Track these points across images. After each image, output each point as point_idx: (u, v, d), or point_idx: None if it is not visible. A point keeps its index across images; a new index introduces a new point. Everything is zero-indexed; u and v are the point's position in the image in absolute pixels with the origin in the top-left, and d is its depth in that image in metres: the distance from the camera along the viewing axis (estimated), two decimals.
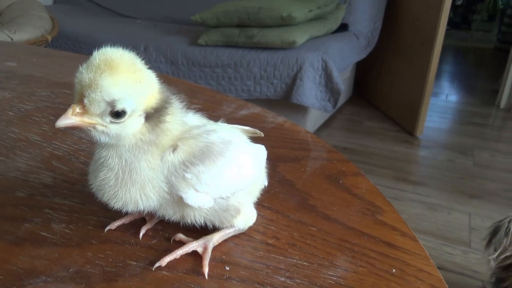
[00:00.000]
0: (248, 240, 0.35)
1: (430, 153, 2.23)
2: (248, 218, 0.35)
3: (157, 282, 0.31)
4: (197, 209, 0.32)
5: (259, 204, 0.40)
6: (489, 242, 0.91)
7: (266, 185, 0.40)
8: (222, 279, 0.31)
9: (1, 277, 0.31)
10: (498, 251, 0.87)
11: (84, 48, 2.58)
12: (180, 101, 0.34)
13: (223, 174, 0.32)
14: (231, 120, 0.60)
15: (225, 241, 0.35)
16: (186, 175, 0.30)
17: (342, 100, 2.67)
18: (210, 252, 0.33)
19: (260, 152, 0.37)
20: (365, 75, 2.80)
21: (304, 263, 0.33)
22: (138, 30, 2.62)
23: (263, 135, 0.41)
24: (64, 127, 0.28)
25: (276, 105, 2.23)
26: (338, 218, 0.38)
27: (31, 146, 0.50)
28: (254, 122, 0.59)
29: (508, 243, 0.86)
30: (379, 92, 2.71)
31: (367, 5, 2.44)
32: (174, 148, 0.31)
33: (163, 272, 0.32)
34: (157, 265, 0.31)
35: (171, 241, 0.35)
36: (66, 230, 0.36)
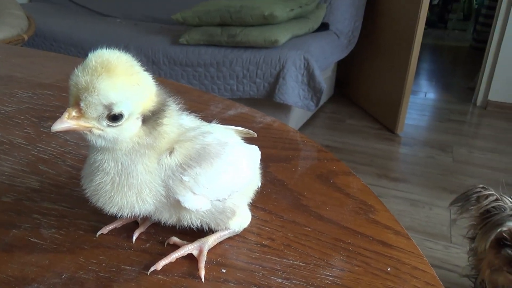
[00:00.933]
0: (243, 242, 0.35)
1: (411, 150, 2.27)
2: (243, 220, 0.35)
3: (153, 286, 0.30)
4: (193, 211, 0.32)
5: (253, 205, 0.40)
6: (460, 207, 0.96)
7: (259, 186, 0.40)
8: (219, 282, 0.31)
9: None
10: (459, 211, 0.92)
11: (62, 48, 2.53)
12: (176, 103, 0.33)
13: (220, 176, 0.32)
14: (220, 121, 0.59)
15: (220, 243, 0.35)
16: (183, 178, 0.30)
17: (324, 98, 2.69)
18: (205, 255, 0.33)
19: (254, 153, 0.37)
20: (346, 73, 2.83)
21: (300, 263, 0.33)
22: (118, 29, 2.58)
23: (256, 136, 0.41)
24: (60, 131, 0.27)
25: (259, 104, 2.23)
26: (332, 218, 0.39)
27: (15, 149, 0.49)
28: (242, 122, 0.59)
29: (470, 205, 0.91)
30: (360, 91, 2.75)
31: (347, 4, 2.47)
32: (171, 151, 0.30)
33: (159, 276, 0.31)
34: (152, 269, 0.31)
35: (165, 244, 0.34)
36: (56, 236, 0.35)
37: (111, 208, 0.30)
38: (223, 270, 0.32)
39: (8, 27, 2.29)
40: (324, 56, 2.23)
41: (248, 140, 0.53)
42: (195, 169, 0.30)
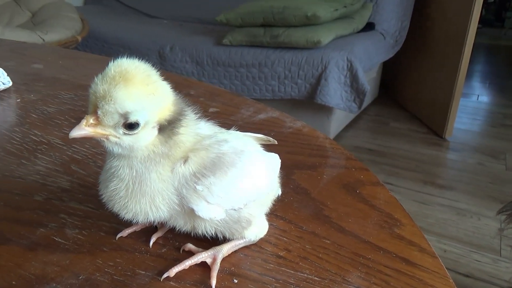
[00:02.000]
0: (259, 252, 0.35)
1: (460, 156, 2.17)
2: (259, 230, 0.35)
3: None
4: (208, 220, 0.32)
5: (272, 214, 0.39)
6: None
7: (279, 194, 0.40)
8: None
9: (13, 282, 0.31)
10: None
11: (112, 49, 2.63)
12: (195, 113, 0.33)
13: (235, 186, 0.31)
14: (249, 124, 0.59)
15: (235, 252, 0.34)
16: (197, 187, 0.30)
17: (368, 100, 2.63)
18: (219, 264, 0.32)
19: (273, 161, 0.36)
20: (392, 75, 2.74)
21: (315, 278, 0.32)
22: (165, 31, 2.65)
23: (276, 143, 0.40)
24: (77, 138, 0.28)
25: (300, 105, 2.22)
26: (353, 231, 0.37)
27: (51, 149, 0.51)
28: (272, 126, 0.59)
29: None
30: (406, 93, 2.65)
31: (395, 3, 2.39)
32: (185, 159, 0.30)
33: (171, 282, 0.31)
34: (165, 275, 0.31)
35: (181, 251, 0.34)
36: (79, 236, 0.36)
37: (126, 214, 0.31)
38: (235, 280, 0.32)
39: (63, 29, 2.42)
40: (369, 57, 2.18)
41: (274, 145, 0.53)
42: (209, 179, 0.30)
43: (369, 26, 2.38)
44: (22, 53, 0.96)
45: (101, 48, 2.67)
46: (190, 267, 0.33)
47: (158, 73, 0.31)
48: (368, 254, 0.34)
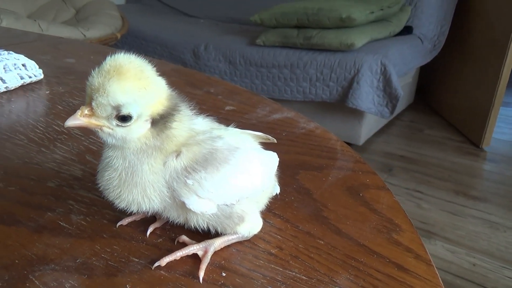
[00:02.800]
0: (251, 248, 0.35)
1: (497, 168, 2.07)
2: (252, 226, 0.35)
3: (153, 281, 0.31)
4: (199, 214, 0.33)
5: (270, 211, 0.40)
6: None
7: (278, 193, 0.40)
8: (216, 285, 0.31)
9: (16, 261, 0.33)
10: None
11: (150, 46, 2.71)
12: (190, 109, 0.34)
13: (227, 181, 0.32)
14: (262, 123, 0.60)
15: (227, 246, 0.35)
16: (187, 181, 0.31)
17: (402, 106, 2.57)
18: (209, 257, 0.33)
19: (270, 159, 0.37)
20: (429, 80, 2.66)
21: (302, 277, 0.32)
22: (200, 30, 2.69)
23: (275, 141, 0.40)
24: (72, 127, 0.30)
25: (331, 108, 2.20)
26: (350, 233, 0.37)
27: (70, 139, 0.54)
28: (285, 126, 0.59)
29: None
30: (443, 99, 2.57)
31: (435, 7, 2.32)
32: (178, 154, 0.31)
33: (162, 271, 0.32)
34: (156, 264, 0.32)
35: (175, 242, 0.35)
36: (82, 222, 0.38)
37: (120, 203, 0.32)
38: (223, 273, 0.32)
39: (104, 26, 2.51)
40: (404, 62, 2.12)
41: (282, 145, 0.53)
42: (200, 173, 0.31)
43: (407, 30, 2.32)
44: (58, 48, 1.01)
45: (139, 46, 2.75)
46: (182, 258, 0.33)
47: (154, 68, 0.32)
48: (361, 257, 0.34)
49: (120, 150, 0.31)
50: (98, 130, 0.31)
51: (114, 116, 0.29)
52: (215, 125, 0.36)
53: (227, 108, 0.65)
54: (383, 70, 1.97)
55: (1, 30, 1.25)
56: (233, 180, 0.32)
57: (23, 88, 0.72)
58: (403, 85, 2.31)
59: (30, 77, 0.72)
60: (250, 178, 0.33)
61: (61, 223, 0.37)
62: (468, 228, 1.62)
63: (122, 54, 0.30)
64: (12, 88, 0.70)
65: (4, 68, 0.68)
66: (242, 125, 0.59)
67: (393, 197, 0.43)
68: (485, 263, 1.45)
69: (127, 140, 0.30)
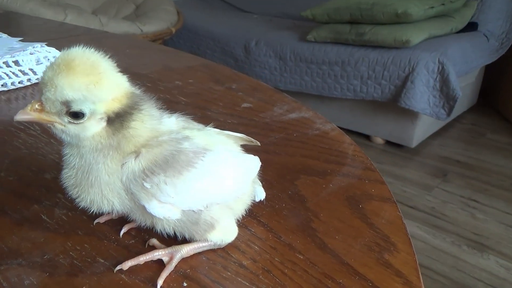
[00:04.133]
0: (223, 257, 0.33)
1: None
2: (225, 234, 0.32)
3: (111, 285, 0.30)
4: (164, 219, 0.31)
5: (255, 218, 0.37)
6: None
7: (262, 199, 0.37)
8: None
9: None
10: None
11: (202, 40, 2.74)
12: (157, 108, 0.32)
13: (191, 186, 0.30)
14: (275, 123, 0.57)
15: (198, 253, 0.33)
16: (145, 184, 0.29)
17: (463, 107, 2.39)
18: (174, 264, 0.31)
19: (248, 164, 0.34)
20: (495, 81, 2.45)
21: None
22: (253, 25, 2.68)
23: (259, 144, 0.37)
24: (22, 121, 0.29)
25: (383, 108, 2.10)
26: (335, 249, 0.33)
27: None
28: (298, 127, 0.55)
29: None
30: (510, 101, 2.36)
31: (504, 2, 2.13)
32: (137, 155, 0.29)
33: (122, 275, 0.31)
34: (118, 267, 0.31)
35: (146, 245, 0.34)
36: (63, 217, 0.37)
37: (80, 203, 0.31)
38: (184, 283, 0.30)
39: (160, 21, 2.58)
40: (465, 60, 1.97)
41: (289, 147, 0.50)
42: (158, 176, 0.29)
43: (471, 26, 2.16)
44: (100, 42, 1.04)
45: (193, 40, 2.80)
46: (148, 263, 0.32)
47: (112, 65, 0.30)
48: (340, 278, 0.30)
49: (77, 148, 0.30)
50: (51, 126, 0.30)
51: (65, 112, 0.28)
52: (190, 124, 0.34)
53: (244, 105, 0.63)
54: (440, 69, 1.84)
55: (56, 24, 1.32)
56: (198, 184, 0.30)
57: None
58: (465, 85, 2.15)
59: None
60: (220, 183, 0.31)
61: (43, 217, 0.37)
62: None
63: (78, 48, 0.29)
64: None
65: (36, 61, 0.71)
66: (254, 123, 0.57)
67: (398, 211, 0.38)
68: None
69: (80, 138, 0.29)
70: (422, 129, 2.08)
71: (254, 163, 0.34)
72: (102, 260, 0.32)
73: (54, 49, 0.75)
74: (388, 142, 2.20)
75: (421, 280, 0.30)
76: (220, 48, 2.64)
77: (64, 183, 0.31)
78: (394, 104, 1.99)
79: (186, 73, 0.79)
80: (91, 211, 0.32)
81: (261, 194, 0.36)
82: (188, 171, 0.29)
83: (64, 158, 0.31)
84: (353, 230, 0.36)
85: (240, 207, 0.34)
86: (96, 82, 0.28)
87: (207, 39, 2.71)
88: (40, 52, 0.72)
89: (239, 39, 2.52)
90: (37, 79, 0.71)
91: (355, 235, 0.35)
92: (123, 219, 0.37)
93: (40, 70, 0.71)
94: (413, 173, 1.95)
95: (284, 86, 2.36)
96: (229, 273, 0.31)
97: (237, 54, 2.53)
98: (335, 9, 2.07)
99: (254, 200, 0.36)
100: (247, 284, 0.30)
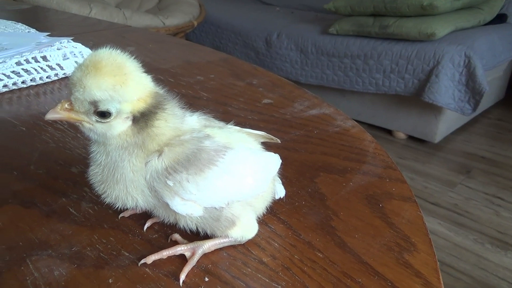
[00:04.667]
0: (243, 254, 0.33)
1: None
2: (245, 231, 0.33)
3: (136, 278, 0.31)
4: (187, 216, 0.32)
5: (275, 216, 0.37)
6: None
7: (282, 197, 0.37)
8: None
9: (20, 243, 0.35)
10: None
11: (224, 33, 2.75)
12: (179, 107, 0.33)
13: (212, 184, 0.30)
14: (295, 119, 0.57)
15: (219, 249, 0.34)
16: (167, 181, 0.30)
17: (489, 102, 2.33)
18: (196, 259, 0.32)
19: (268, 161, 0.34)
20: None
21: None
22: (275, 18, 2.67)
23: (279, 142, 0.37)
24: (52, 120, 0.30)
25: (406, 102, 2.06)
26: (355, 248, 0.33)
27: None
28: (318, 123, 0.55)
29: None
30: None
31: None
32: (160, 153, 0.30)
33: (146, 269, 0.32)
34: (142, 261, 0.32)
35: (169, 239, 0.35)
36: (89, 210, 0.39)
37: (106, 198, 0.32)
38: (206, 278, 0.31)
39: (182, 14, 2.60)
40: (493, 54, 1.92)
41: (309, 144, 0.50)
42: (181, 174, 0.30)
43: (500, 18, 2.10)
44: (123, 36, 1.06)
45: (215, 33, 2.81)
46: (170, 257, 0.33)
47: (137, 65, 0.31)
48: (359, 277, 0.31)
49: (103, 146, 0.31)
50: (79, 124, 0.31)
51: (93, 111, 0.29)
52: (211, 123, 0.34)
53: (264, 101, 0.63)
54: (467, 62, 1.80)
55: (79, 19, 1.35)
56: (219, 182, 0.30)
57: None
58: (492, 79, 2.10)
59: None
60: (241, 181, 0.31)
61: (71, 209, 0.39)
62: None
63: (105, 49, 0.29)
64: (70, 75, 0.74)
65: (62, 56, 0.73)
66: (274, 120, 0.57)
67: (419, 211, 0.38)
68: None
69: (107, 136, 0.30)
70: (446, 124, 2.04)
71: (274, 160, 0.35)
72: (127, 254, 0.33)
73: (80, 44, 0.77)
74: (411, 137, 2.17)
75: (441, 281, 0.30)
76: (242, 41, 2.64)
77: (91, 179, 0.33)
78: (417, 99, 1.96)
79: (207, 68, 0.79)
80: (116, 206, 0.33)
81: (281, 192, 0.37)
82: (210, 169, 0.30)
83: (91, 155, 0.32)
84: (372, 229, 0.36)
85: (261, 205, 0.35)
86: (122, 82, 0.29)
87: (229, 32, 2.71)
88: (67, 47, 0.74)
89: (261, 32, 2.51)
90: (64, 74, 0.73)
91: (374, 234, 0.35)
92: (146, 214, 0.38)
93: (66, 65, 0.73)
94: (435, 169, 1.92)
95: (305, 79, 2.34)
96: (249, 269, 0.32)
97: (259, 47, 2.52)
98: (358, 2, 2.04)
99: (274, 198, 0.36)
100: (267, 280, 0.31)
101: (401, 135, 2.17)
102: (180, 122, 0.32)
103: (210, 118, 0.35)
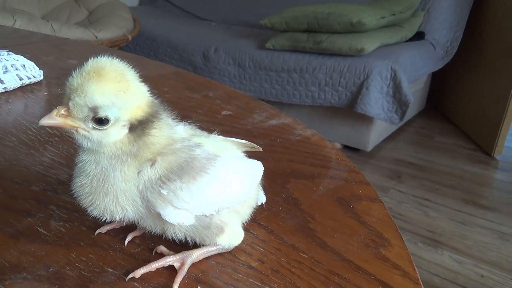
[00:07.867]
0: (231, 260, 0.34)
1: (508, 177, 2.03)
2: (233, 238, 0.34)
3: None
4: (176, 225, 0.31)
5: (255, 222, 0.38)
6: None
7: (263, 203, 0.39)
8: None
9: None
10: None
11: (160, 48, 2.71)
12: (172, 118, 0.33)
13: (204, 191, 0.31)
14: (257, 129, 0.58)
15: (207, 258, 0.34)
16: (162, 191, 0.30)
17: (413, 112, 2.53)
18: (186, 269, 0.32)
19: (253, 168, 0.35)
20: (441, 87, 2.62)
21: None
22: (212, 32, 2.69)
23: (261, 150, 0.39)
24: (46, 126, 0.29)
25: (340, 113, 2.17)
26: (335, 247, 0.35)
27: (62, 142, 0.53)
28: (280, 133, 0.57)
29: None
30: (455, 106, 2.53)
31: (448, 12, 2.28)
32: (153, 163, 0.30)
33: (135, 283, 0.31)
34: (130, 276, 0.31)
35: (153, 252, 0.34)
36: (61, 229, 0.37)
37: (93, 211, 0.31)
38: (199, 287, 0.31)
39: (115, 28, 2.52)
40: (415, 68, 2.09)
41: (274, 152, 0.51)
42: (175, 183, 0.30)
43: (419, 35, 2.29)
44: (62, 49, 1.01)
45: (150, 47, 2.76)
46: (158, 269, 0.32)
47: (136, 74, 0.31)
48: (344, 273, 0.33)
49: (94, 155, 0.30)
50: (74, 131, 0.30)
51: (91, 118, 0.29)
52: (197, 132, 0.35)
53: (224, 113, 0.64)
54: (393, 75, 1.94)
55: (9, 31, 1.26)
56: (211, 189, 0.31)
57: (22, 89, 0.71)
58: (414, 91, 2.28)
59: (29, 78, 0.72)
60: (230, 188, 0.32)
61: (39, 229, 0.37)
62: (477, 238, 1.58)
63: (105, 57, 0.29)
64: (11, 89, 0.70)
65: (3, 69, 0.68)
66: (237, 131, 0.58)
67: (385, 209, 0.41)
68: (493, 274, 1.41)
69: (102, 144, 0.30)
70: (377, 133, 2.18)
71: (258, 167, 0.36)
72: (111, 270, 0.32)
73: (22, 56, 0.72)
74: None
75: (417, 271, 0.33)
76: (179, 55, 2.63)
77: (76, 192, 0.31)
78: (350, 110, 2.07)
79: (159, 81, 0.79)
80: (103, 219, 0.32)
81: (262, 198, 0.38)
82: (202, 176, 0.30)
83: (78, 165, 0.31)
84: (348, 228, 0.38)
85: (247, 211, 0.35)
86: (125, 89, 0.28)
87: (165, 46, 2.68)
88: (7, 60, 0.69)
89: (198, 47, 2.52)
90: (4, 88, 0.68)
91: (351, 233, 0.37)
92: (124, 229, 0.37)
93: (7, 79, 0.68)
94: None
95: (243, 93, 2.38)
96: (240, 275, 0.32)
97: (196, 62, 2.52)
98: (293, 18, 2.13)
99: (257, 204, 0.37)
100: (259, 284, 0.31)
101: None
102: (173, 132, 0.32)
103: (194, 128, 0.35)
